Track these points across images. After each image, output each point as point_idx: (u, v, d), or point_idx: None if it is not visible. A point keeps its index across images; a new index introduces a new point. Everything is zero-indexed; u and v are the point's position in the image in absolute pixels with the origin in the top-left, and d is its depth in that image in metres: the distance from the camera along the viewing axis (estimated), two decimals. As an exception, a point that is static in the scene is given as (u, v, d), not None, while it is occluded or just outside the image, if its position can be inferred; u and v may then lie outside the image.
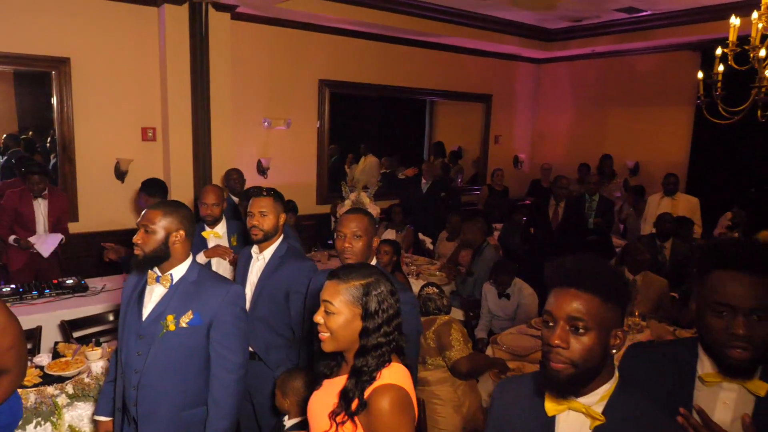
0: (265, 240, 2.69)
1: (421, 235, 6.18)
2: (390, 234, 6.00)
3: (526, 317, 3.86)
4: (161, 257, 2.09)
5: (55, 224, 4.69)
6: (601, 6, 6.55)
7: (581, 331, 1.23)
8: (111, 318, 3.61)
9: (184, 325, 2.07)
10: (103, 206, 5.34)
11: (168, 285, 2.12)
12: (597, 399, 1.27)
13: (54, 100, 5.14)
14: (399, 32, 6.90)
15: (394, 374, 1.58)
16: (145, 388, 2.11)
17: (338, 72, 6.86)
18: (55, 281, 4.23)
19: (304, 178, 6.70)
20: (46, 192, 4.60)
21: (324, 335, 1.62)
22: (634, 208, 6.58)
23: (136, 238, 2.10)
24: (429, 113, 9.24)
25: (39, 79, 9.40)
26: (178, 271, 2.13)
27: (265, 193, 2.70)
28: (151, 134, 5.52)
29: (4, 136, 8.61)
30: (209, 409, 2.13)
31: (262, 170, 6.30)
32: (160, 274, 2.13)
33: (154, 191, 4.01)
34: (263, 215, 2.67)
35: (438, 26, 6.84)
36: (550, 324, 1.29)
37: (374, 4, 6.18)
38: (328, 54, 6.77)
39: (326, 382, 1.72)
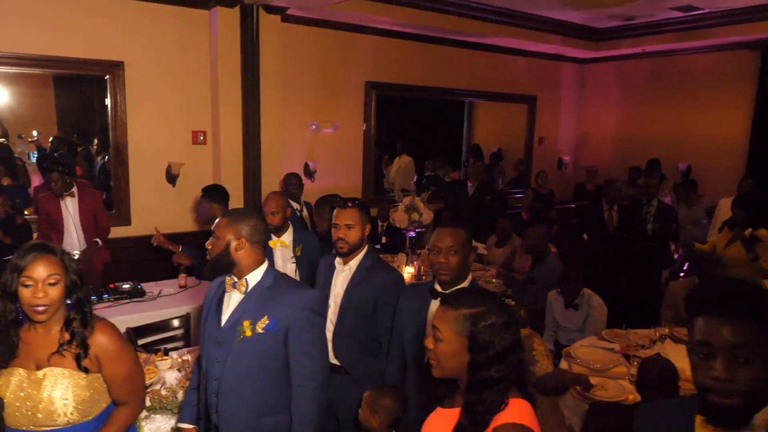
0: (350, 253, 2.63)
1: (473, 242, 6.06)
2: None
3: (596, 329, 3.72)
4: (225, 264, 2.12)
5: (90, 224, 4.56)
6: (657, 4, 6.34)
7: (743, 360, 1.13)
8: (176, 324, 3.57)
9: (260, 330, 2.08)
10: (154, 209, 5.34)
11: (244, 291, 2.13)
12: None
13: (108, 104, 5.16)
14: (443, 32, 6.81)
15: (516, 411, 1.45)
16: (225, 394, 2.13)
17: (383, 74, 6.79)
18: (111, 285, 4.22)
19: (350, 181, 6.63)
20: (73, 190, 4.50)
21: (432, 361, 1.54)
22: (686, 203, 6.44)
23: (208, 244, 2.14)
24: (467, 114, 9.11)
25: (78, 82, 9.58)
26: (254, 277, 2.14)
27: (350, 205, 2.64)
28: (201, 138, 5.51)
29: (51, 138, 8.74)
30: (292, 417, 2.11)
31: (309, 173, 6.26)
32: (236, 280, 2.14)
33: (215, 197, 3.96)
34: (349, 228, 2.61)
35: (483, 26, 6.72)
36: (706, 355, 1.18)
37: (421, 5, 6.08)
38: (374, 56, 6.70)
39: (441, 411, 1.63)
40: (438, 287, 2.23)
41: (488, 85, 7.82)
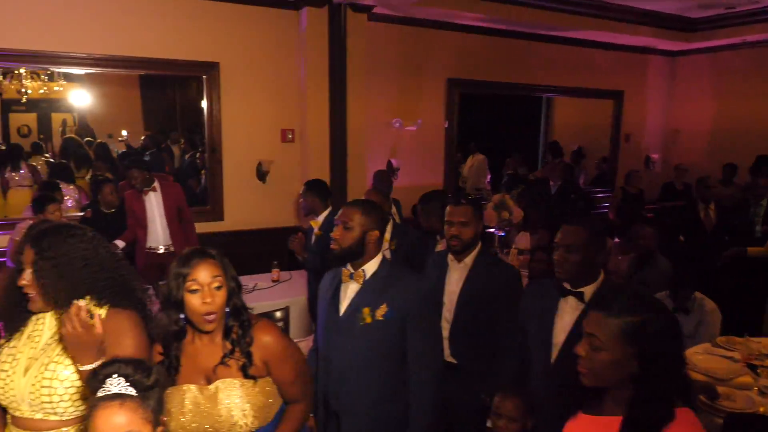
0: (464, 250, 2.61)
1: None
2: (524, 238, 5.75)
3: (710, 335, 3.50)
4: (356, 254, 2.16)
5: (174, 217, 4.67)
6: (763, -9, 5.94)
7: None
8: (278, 315, 3.65)
9: (379, 317, 2.12)
10: (245, 206, 5.49)
11: (361, 281, 2.18)
12: None
13: (204, 104, 5.36)
14: (525, 27, 6.65)
15: (685, 421, 1.35)
16: (346, 381, 2.18)
17: (464, 70, 6.70)
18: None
19: (431, 179, 6.58)
20: (155, 185, 4.64)
21: (584, 369, 1.44)
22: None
23: (335, 234, 2.16)
24: (545, 111, 8.86)
25: (162, 83, 10.02)
26: (371, 267, 2.19)
27: (464, 202, 2.62)
28: (290, 136, 5.62)
29: (143, 137, 9.19)
30: (410, 404, 2.15)
31: (391, 171, 6.26)
32: (353, 271, 2.19)
33: (317, 191, 4.04)
34: (463, 225, 2.59)
35: (568, 19, 6.50)
36: None
37: (506, -1, 5.97)
38: (455, 52, 6.62)
39: (586, 418, 1.55)
40: (567, 285, 2.15)
41: (571, 81, 7.56)
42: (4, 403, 1.76)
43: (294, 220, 5.60)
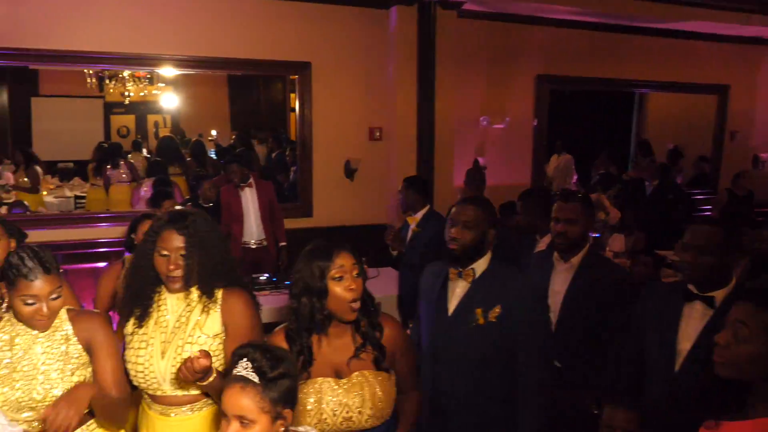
0: (570, 250, 2.49)
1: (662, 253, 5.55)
2: (619, 240, 5.47)
3: None
4: (477, 251, 2.12)
5: (266, 213, 4.78)
6: None
7: None
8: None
9: (492, 319, 2.07)
10: (334, 203, 5.57)
11: (470, 280, 2.13)
12: None
13: (293, 103, 5.47)
14: (619, 19, 6.33)
15: None
16: (453, 382, 2.15)
17: (554, 66, 6.47)
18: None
19: (518, 179, 6.41)
20: (250, 181, 4.76)
21: (722, 359, 1.41)
22: None
23: (454, 233, 2.11)
24: (637, 107, 8.38)
25: (249, 83, 10.37)
26: (481, 265, 2.14)
27: (573, 198, 2.50)
28: (377, 134, 5.65)
29: (234, 136, 9.57)
30: (519, 409, 2.09)
31: (478, 170, 6.15)
32: (461, 269, 2.14)
33: (417, 188, 4.05)
34: (570, 223, 2.48)
35: (667, 9, 6.11)
36: None
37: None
38: (545, 48, 6.41)
39: (733, 425, 1.43)
40: (693, 288, 2.00)
41: (669, 75, 7.11)
42: (144, 385, 1.88)
43: (381, 218, 5.61)
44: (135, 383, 1.88)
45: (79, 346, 1.79)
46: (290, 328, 1.81)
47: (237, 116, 10.51)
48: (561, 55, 6.47)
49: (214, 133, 10.16)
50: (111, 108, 10.04)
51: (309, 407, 1.73)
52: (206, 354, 1.62)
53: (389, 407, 1.84)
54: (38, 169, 6.70)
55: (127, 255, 3.18)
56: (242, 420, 1.38)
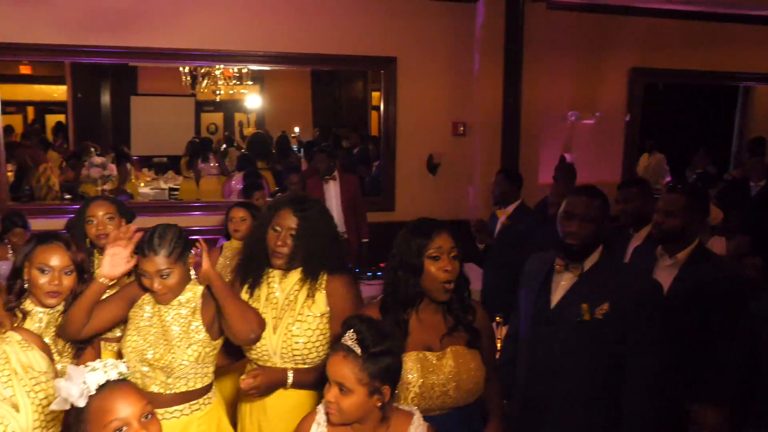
0: (668, 243, 2.38)
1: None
2: (719, 242, 5.11)
3: None
4: (594, 245, 2.02)
5: (349, 206, 4.86)
6: None
7: None
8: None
9: (598, 316, 1.96)
10: (416, 198, 5.57)
11: (578, 273, 2.03)
12: None
13: (381, 99, 5.54)
14: (723, 6, 5.92)
15: None
16: (550, 378, 2.07)
17: (650, 59, 6.15)
18: (382, 264, 4.48)
19: (608, 177, 6.12)
20: (335, 174, 4.85)
21: None
22: None
23: (572, 228, 2.02)
24: (741, 102, 7.78)
25: (331, 80, 10.58)
26: (591, 259, 2.04)
27: (676, 190, 2.40)
28: (461, 129, 5.60)
29: (318, 131, 9.82)
30: (625, 416, 1.97)
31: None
32: (568, 261, 2.05)
33: (512, 179, 4.05)
34: (669, 214, 2.37)
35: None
36: None
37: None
38: (640, 39, 6.11)
39: None
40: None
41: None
42: (254, 356, 2.02)
43: (463, 213, 5.55)
44: (246, 354, 2.02)
45: (203, 327, 1.91)
46: (385, 301, 1.84)
47: (318, 114, 10.77)
48: (656, 46, 6.14)
49: (297, 130, 10.46)
50: (202, 106, 10.59)
51: (405, 381, 1.75)
52: (253, 375, 1.81)
53: (480, 387, 1.85)
54: (129, 166, 7.24)
55: (224, 242, 3.35)
56: (341, 387, 1.45)
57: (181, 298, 1.92)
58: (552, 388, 2.08)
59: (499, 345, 3.09)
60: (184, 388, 1.88)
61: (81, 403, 1.25)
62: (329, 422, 1.54)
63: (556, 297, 2.08)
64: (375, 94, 10.30)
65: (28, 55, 5.25)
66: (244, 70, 8.58)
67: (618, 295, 1.97)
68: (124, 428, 1.25)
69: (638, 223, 2.97)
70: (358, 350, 1.46)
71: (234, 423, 2.12)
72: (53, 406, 1.31)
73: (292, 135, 10.32)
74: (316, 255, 1.98)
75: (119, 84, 10.09)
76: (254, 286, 2.03)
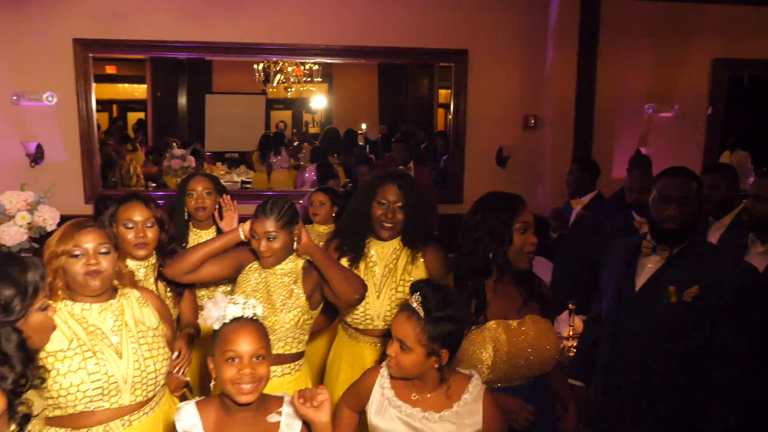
0: (763, 228, 2.32)
1: None
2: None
3: None
4: (691, 229, 2.00)
5: None
6: None
7: None
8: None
9: (687, 299, 1.91)
10: (485, 190, 5.47)
11: (666, 255, 2.00)
12: None
13: (452, 91, 5.56)
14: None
15: None
16: (634, 361, 2.04)
17: (735, 49, 5.85)
18: (450, 255, 4.52)
19: (686, 172, 5.91)
20: (410, 165, 4.92)
21: None
22: None
23: (671, 212, 1.97)
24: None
25: (397, 77, 10.64)
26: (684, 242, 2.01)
27: None
28: (532, 122, 5.54)
29: (385, 126, 9.96)
30: (711, 407, 1.92)
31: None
32: (658, 244, 2.01)
33: (589, 169, 4.05)
34: (760, 199, 2.33)
35: None
36: None
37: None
38: (724, 28, 5.81)
39: None
40: None
41: None
42: (355, 321, 2.22)
43: (533, 206, 5.43)
44: (349, 318, 2.22)
45: (304, 295, 2.04)
46: (461, 271, 1.90)
47: (385, 111, 10.90)
48: (742, 36, 5.83)
49: (363, 127, 10.63)
50: (272, 104, 10.96)
51: (485, 349, 1.80)
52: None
53: (554, 359, 1.90)
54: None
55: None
56: (402, 344, 1.56)
57: (285, 267, 2.06)
58: (634, 372, 2.05)
59: (568, 332, 3.08)
60: (280, 351, 2.02)
61: (216, 326, 1.45)
62: (394, 382, 1.66)
63: (641, 280, 2.05)
64: (442, 92, 10.34)
65: (116, 50, 5.52)
66: (315, 67, 8.80)
67: (710, 279, 1.90)
68: (236, 360, 1.40)
69: (720, 211, 2.87)
70: (421, 313, 1.54)
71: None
72: (200, 320, 1.64)
73: (359, 132, 10.49)
74: (418, 225, 2.19)
75: (195, 82, 10.59)
76: (357, 257, 2.22)
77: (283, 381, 2.01)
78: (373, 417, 1.66)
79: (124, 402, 1.69)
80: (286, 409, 1.47)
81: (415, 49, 5.41)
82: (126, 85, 10.83)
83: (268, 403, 1.49)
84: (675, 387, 2.00)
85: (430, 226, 2.30)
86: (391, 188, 2.17)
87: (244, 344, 1.40)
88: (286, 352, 2.03)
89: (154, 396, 1.77)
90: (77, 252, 1.65)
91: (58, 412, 1.63)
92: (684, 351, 1.98)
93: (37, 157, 4.84)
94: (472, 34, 5.38)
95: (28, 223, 2.69)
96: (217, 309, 1.44)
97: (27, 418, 1.32)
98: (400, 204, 2.16)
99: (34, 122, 4.90)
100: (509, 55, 5.47)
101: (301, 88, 9.69)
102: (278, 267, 2.05)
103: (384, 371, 1.69)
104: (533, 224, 1.87)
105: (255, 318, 1.46)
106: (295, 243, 2.02)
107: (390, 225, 2.18)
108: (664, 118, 5.80)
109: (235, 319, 1.43)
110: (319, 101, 10.83)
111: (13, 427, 1.30)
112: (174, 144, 7.24)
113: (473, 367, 1.77)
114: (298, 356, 2.08)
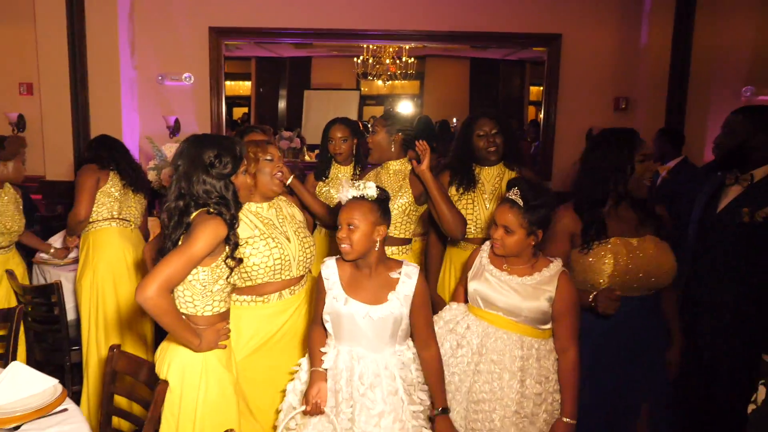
0: None
1: None
2: None
3: None
4: (741, 156, 2.31)
5: None
6: None
7: None
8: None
9: (759, 218, 2.18)
10: (573, 170, 5.72)
11: (746, 184, 2.31)
12: None
13: (545, 75, 5.79)
14: None
15: None
16: (713, 276, 2.31)
17: None
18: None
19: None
20: None
21: None
22: None
23: (718, 140, 2.37)
24: None
25: (489, 72, 10.84)
26: (759, 173, 2.27)
27: None
28: (623, 104, 5.67)
29: (453, 120, 10.24)
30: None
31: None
32: (739, 174, 2.32)
33: (672, 139, 4.34)
34: None
35: None
36: None
37: None
38: None
39: None
40: None
41: None
42: (470, 233, 2.69)
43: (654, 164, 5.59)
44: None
45: (410, 192, 2.56)
46: (581, 201, 2.14)
47: (476, 107, 11.17)
48: None
49: (455, 120, 10.98)
50: (365, 100, 11.57)
51: (606, 260, 2.04)
52: None
53: (671, 275, 2.09)
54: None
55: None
56: (506, 229, 1.95)
57: (396, 166, 2.63)
58: (711, 290, 2.30)
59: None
60: (391, 234, 2.50)
61: (343, 201, 1.88)
62: (491, 255, 2.06)
63: (722, 204, 2.33)
64: (533, 89, 10.51)
65: (246, 37, 6.20)
66: (410, 61, 9.25)
67: None
68: (343, 226, 1.84)
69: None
70: (521, 202, 1.92)
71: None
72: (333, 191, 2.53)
73: (451, 126, 10.85)
74: (513, 149, 2.63)
75: (295, 79, 11.39)
76: (468, 184, 2.63)
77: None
78: (470, 280, 2.06)
79: (292, 275, 2.20)
80: (404, 268, 1.88)
81: (509, 33, 5.70)
82: (232, 82, 11.77)
83: (389, 263, 1.92)
84: (750, 307, 2.21)
85: (522, 150, 2.77)
86: (487, 121, 2.62)
87: (349, 218, 1.82)
88: (396, 236, 2.53)
89: (306, 273, 2.28)
90: (269, 157, 2.17)
91: (249, 283, 2.15)
92: (757, 272, 2.19)
93: (175, 129, 5.60)
94: (566, 19, 5.59)
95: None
96: (344, 189, 1.87)
97: (239, 261, 1.88)
98: (495, 131, 2.60)
99: (174, 99, 5.70)
100: (603, 37, 5.62)
101: (398, 81, 10.14)
102: (391, 164, 2.60)
103: (485, 246, 2.10)
104: (652, 154, 2.11)
105: (362, 196, 1.86)
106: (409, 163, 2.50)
107: (493, 149, 2.61)
108: (763, 101, 5.72)
109: (354, 198, 1.85)
110: (411, 98, 11.27)
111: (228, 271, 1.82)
112: (282, 129, 7.98)
113: (593, 277, 2.05)
114: (406, 241, 2.58)
